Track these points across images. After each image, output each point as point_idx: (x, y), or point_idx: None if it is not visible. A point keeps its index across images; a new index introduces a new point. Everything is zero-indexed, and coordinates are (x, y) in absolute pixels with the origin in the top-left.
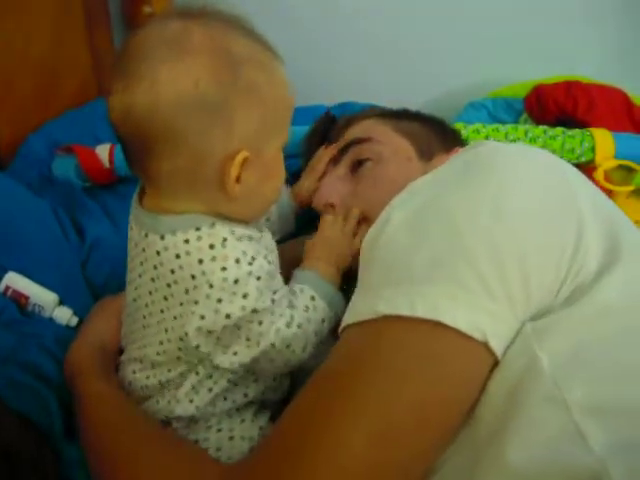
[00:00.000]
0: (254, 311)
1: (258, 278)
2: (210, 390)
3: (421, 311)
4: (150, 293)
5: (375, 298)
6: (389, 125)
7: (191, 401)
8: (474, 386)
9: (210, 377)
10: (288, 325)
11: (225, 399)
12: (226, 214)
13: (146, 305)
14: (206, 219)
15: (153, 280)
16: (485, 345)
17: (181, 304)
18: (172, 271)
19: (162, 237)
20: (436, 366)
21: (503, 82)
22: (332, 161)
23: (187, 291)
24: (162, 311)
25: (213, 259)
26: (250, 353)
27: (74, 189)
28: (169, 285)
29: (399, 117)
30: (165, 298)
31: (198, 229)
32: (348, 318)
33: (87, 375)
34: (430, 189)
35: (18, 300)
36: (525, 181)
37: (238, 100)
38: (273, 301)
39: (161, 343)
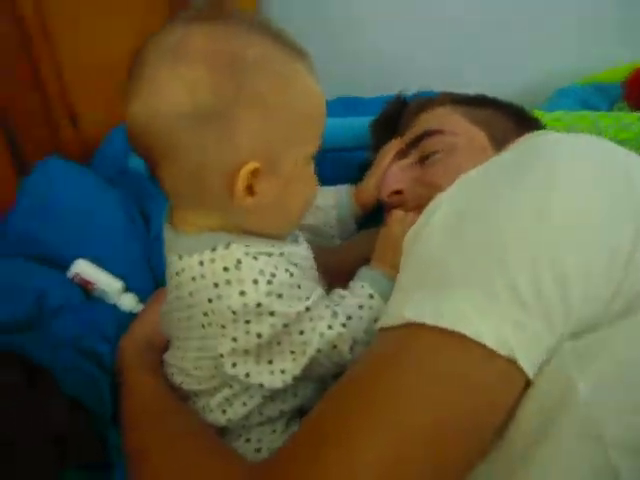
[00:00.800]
0: (285, 325)
1: (280, 296)
2: (244, 404)
3: (445, 321)
4: (177, 310)
5: (403, 302)
6: (463, 114)
7: (224, 412)
8: (499, 406)
9: (246, 390)
10: (330, 326)
11: (261, 414)
12: (250, 229)
13: (177, 319)
14: (223, 238)
15: (177, 299)
16: (514, 363)
17: (203, 326)
18: (190, 294)
19: (180, 257)
20: (457, 384)
21: (596, 67)
22: (399, 154)
23: (206, 314)
24: (188, 329)
25: (228, 282)
26: (299, 365)
27: (147, 182)
28: (189, 307)
29: (474, 104)
30: (188, 318)
31: (214, 250)
32: (381, 321)
33: (133, 367)
34: (478, 184)
35: (85, 286)
36: (578, 180)
37: (242, 109)
38: (307, 308)
39: (197, 359)
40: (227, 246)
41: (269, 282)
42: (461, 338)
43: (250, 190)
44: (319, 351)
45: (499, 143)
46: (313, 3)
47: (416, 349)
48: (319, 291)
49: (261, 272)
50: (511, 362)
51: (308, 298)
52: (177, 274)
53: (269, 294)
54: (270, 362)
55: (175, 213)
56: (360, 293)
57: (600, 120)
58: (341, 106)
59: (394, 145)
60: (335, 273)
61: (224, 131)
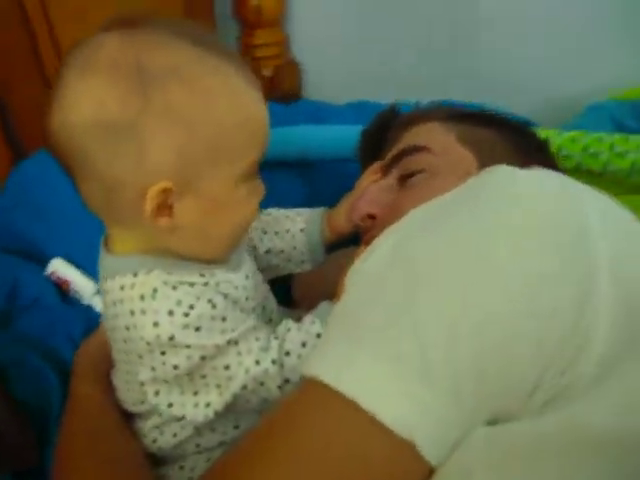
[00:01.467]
0: (203, 358)
1: (197, 329)
2: (175, 435)
3: (345, 387)
4: (107, 330)
5: (319, 352)
6: (453, 132)
7: (154, 441)
8: None
9: (177, 420)
10: (258, 362)
11: (197, 445)
12: (176, 251)
13: (109, 339)
14: (146, 263)
15: (105, 319)
16: (413, 446)
17: (125, 352)
18: (112, 317)
19: (105, 279)
20: (348, 459)
21: (633, 82)
22: (381, 172)
23: (125, 341)
24: (117, 351)
25: (143, 312)
26: (222, 400)
27: None
28: (112, 330)
29: (470, 122)
30: (114, 341)
31: (135, 275)
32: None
33: (81, 376)
34: (417, 224)
35: (61, 285)
36: (518, 235)
37: (151, 123)
38: (231, 341)
39: (127, 382)
40: (148, 272)
41: (186, 314)
42: (358, 409)
43: (165, 210)
44: (244, 387)
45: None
46: None
47: (314, 411)
48: (250, 323)
49: (178, 303)
50: (410, 445)
51: (233, 330)
52: (103, 294)
53: (185, 327)
54: (195, 394)
55: (108, 230)
56: (308, 329)
57: (617, 144)
58: None
59: (375, 167)
60: (307, 299)
61: (133, 146)
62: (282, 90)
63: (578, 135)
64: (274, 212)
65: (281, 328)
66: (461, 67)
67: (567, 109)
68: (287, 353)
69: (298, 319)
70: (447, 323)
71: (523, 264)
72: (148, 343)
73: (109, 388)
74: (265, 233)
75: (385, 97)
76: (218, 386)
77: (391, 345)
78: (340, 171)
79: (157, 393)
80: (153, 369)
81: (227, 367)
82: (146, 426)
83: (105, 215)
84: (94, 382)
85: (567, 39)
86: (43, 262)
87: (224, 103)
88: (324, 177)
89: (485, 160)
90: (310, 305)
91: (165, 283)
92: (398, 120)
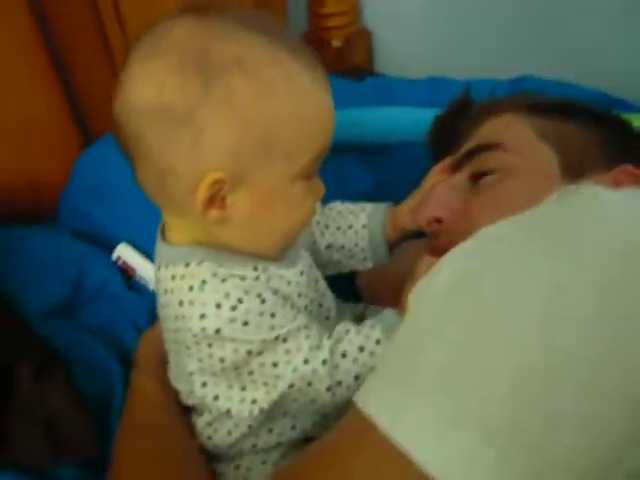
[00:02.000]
0: (249, 352)
1: (244, 323)
2: (229, 433)
3: (400, 436)
4: (159, 319)
5: (374, 384)
6: (533, 126)
7: (210, 438)
8: None
9: (229, 418)
10: (307, 361)
11: (254, 446)
12: (227, 244)
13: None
14: (198, 254)
15: (158, 308)
16: None
17: (175, 342)
18: (162, 306)
19: (159, 267)
20: None
21: None
22: (451, 170)
23: (174, 331)
24: (166, 341)
25: (191, 303)
26: (269, 398)
27: None
28: (163, 319)
29: (551, 114)
30: (165, 330)
31: (187, 265)
32: (357, 392)
33: (142, 368)
34: (489, 249)
35: (127, 271)
36: (599, 276)
37: (209, 113)
38: (280, 338)
39: (176, 371)
40: (200, 263)
41: (233, 308)
42: (409, 460)
43: (217, 202)
44: (292, 386)
45: (574, 171)
46: None
47: (368, 453)
48: (300, 321)
49: (226, 296)
50: None
51: (282, 327)
52: (157, 282)
53: (232, 320)
54: (242, 389)
55: (165, 217)
56: (368, 334)
57: None
58: None
59: (444, 165)
60: (372, 291)
61: (188, 134)
62: (352, 62)
63: None
64: (338, 206)
65: (339, 328)
66: (551, 42)
67: None
68: (343, 355)
69: (360, 315)
70: (512, 376)
71: (610, 306)
72: (195, 335)
73: (169, 381)
74: (327, 228)
75: (460, 72)
76: (265, 384)
77: (450, 397)
78: (409, 156)
79: (204, 385)
80: (200, 361)
81: (275, 365)
82: (199, 422)
83: (160, 202)
84: (155, 374)
85: None
86: (110, 246)
87: (285, 100)
88: (392, 163)
89: (569, 160)
90: (374, 297)
91: (215, 275)
92: (473, 110)
